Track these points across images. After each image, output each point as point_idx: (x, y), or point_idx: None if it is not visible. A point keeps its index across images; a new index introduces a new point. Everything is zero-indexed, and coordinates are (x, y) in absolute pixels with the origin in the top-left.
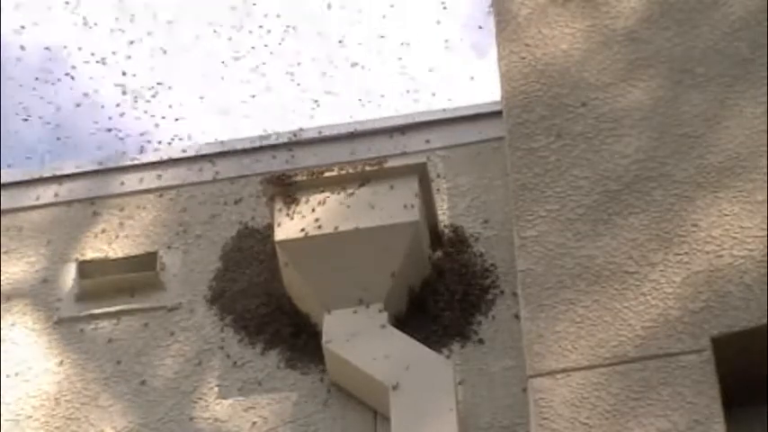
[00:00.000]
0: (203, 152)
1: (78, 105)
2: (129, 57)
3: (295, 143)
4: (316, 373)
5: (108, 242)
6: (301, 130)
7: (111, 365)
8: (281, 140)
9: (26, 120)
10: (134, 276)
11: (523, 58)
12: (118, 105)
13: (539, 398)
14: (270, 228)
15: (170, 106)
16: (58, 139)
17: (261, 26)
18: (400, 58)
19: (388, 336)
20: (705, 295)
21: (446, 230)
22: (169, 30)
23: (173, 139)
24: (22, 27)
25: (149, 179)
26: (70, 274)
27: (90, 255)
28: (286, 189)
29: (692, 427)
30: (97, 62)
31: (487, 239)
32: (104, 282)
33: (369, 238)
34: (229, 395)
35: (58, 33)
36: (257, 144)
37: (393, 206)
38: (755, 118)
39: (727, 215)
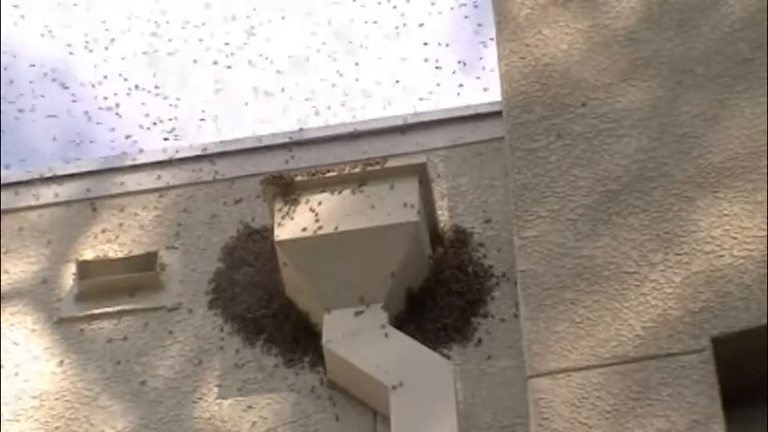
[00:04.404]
0: (203, 152)
1: (75, 101)
2: (129, 56)
3: (295, 143)
4: (316, 373)
5: (108, 242)
6: (301, 130)
7: (111, 365)
8: (281, 140)
9: (20, 118)
10: (134, 276)
11: (523, 58)
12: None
13: (539, 398)
14: (270, 228)
15: (171, 105)
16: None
17: (259, 24)
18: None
19: (388, 336)
20: (705, 295)
21: (446, 230)
22: (168, 29)
23: (171, 138)
24: (18, 22)
25: (149, 179)
26: (70, 274)
27: (90, 255)
28: (286, 189)
29: (692, 427)
30: (96, 67)
31: (488, 239)
32: (104, 282)
33: (369, 238)
34: (229, 395)
35: (58, 35)
36: (257, 144)
37: (393, 206)
38: (755, 118)
39: (727, 215)
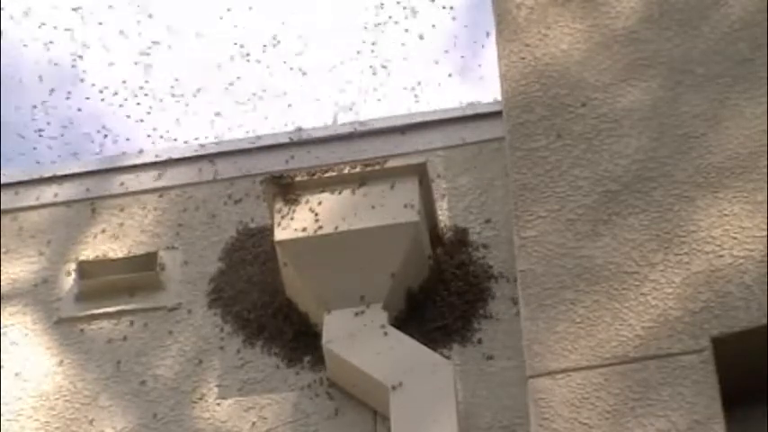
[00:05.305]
0: (203, 152)
1: (76, 101)
2: (130, 56)
3: (295, 143)
4: (316, 373)
5: (108, 242)
6: (301, 130)
7: (111, 365)
8: (281, 140)
9: (30, 120)
10: (134, 276)
11: (523, 59)
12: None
13: (539, 398)
14: (270, 228)
15: (175, 101)
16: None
17: (260, 23)
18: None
19: (388, 336)
20: (705, 295)
21: (446, 230)
22: (167, 28)
23: (172, 139)
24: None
25: (149, 179)
26: (70, 274)
27: (90, 255)
28: (286, 189)
29: (692, 427)
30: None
31: (487, 239)
32: (104, 282)
33: (369, 238)
34: (229, 395)
35: (59, 35)
36: (257, 144)
37: (393, 206)
38: (755, 118)
39: (727, 215)
